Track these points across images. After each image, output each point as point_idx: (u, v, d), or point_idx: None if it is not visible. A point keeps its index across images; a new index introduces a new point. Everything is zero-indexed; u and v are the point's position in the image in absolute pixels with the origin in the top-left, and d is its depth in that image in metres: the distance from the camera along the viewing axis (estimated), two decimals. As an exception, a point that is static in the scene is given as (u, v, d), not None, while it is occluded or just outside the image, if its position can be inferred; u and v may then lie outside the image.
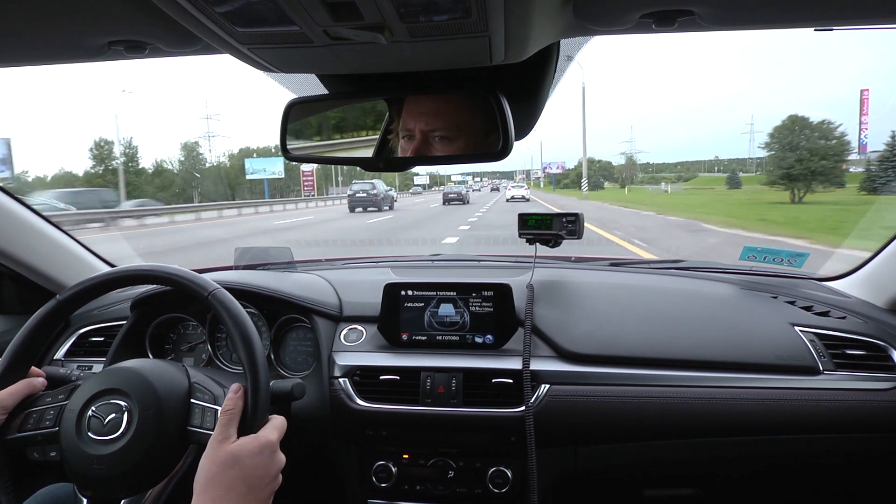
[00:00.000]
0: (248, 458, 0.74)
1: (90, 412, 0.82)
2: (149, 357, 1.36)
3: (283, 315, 1.37)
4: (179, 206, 26.49)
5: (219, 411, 0.82)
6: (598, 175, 62.47)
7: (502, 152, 0.84)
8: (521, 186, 35.63)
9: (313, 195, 43.10)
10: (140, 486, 0.82)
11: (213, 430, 0.79)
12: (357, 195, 22.40)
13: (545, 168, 77.72)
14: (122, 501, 0.84)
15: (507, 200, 29.62)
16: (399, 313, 1.30)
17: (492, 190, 66.69)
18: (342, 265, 1.78)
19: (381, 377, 1.23)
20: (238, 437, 0.77)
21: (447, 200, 27.01)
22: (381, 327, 1.31)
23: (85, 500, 0.85)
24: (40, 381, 0.90)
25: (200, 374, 0.90)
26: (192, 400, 0.85)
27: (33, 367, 0.92)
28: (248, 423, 0.79)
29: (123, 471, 0.79)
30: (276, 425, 0.82)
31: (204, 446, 0.77)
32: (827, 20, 0.82)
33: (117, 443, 0.79)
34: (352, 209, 22.18)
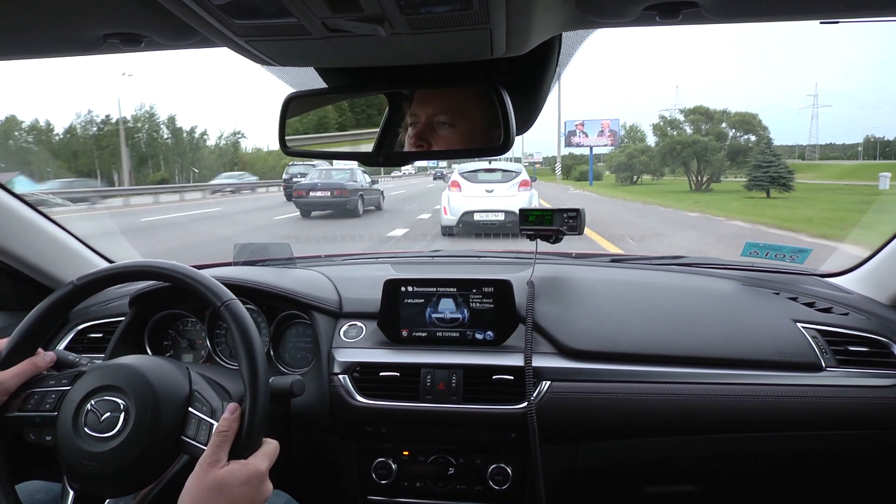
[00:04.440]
0: (235, 486, 0.73)
1: (88, 406, 0.81)
2: (147, 353, 1.36)
3: (283, 311, 1.37)
4: None
5: (214, 426, 0.80)
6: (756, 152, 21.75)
7: (504, 146, 0.83)
8: (512, 175, 8.78)
9: None
10: (127, 487, 0.82)
11: (205, 444, 0.78)
12: (314, 193, 11.92)
13: (569, 135, 32.35)
14: (108, 501, 0.84)
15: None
16: (399, 309, 1.29)
17: (435, 178, 36.91)
18: (342, 261, 1.77)
19: (381, 374, 1.23)
20: (228, 462, 0.75)
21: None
22: (381, 323, 1.30)
23: (71, 493, 0.85)
24: (45, 360, 0.90)
25: (202, 380, 0.89)
26: (190, 409, 0.84)
27: (40, 349, 0.91)
28: (241, 447, 0.77)
29: (113, 471, 0.78)
30: (267, 452, 0.79)
31: (194, 458, 0.76)
32: (832, 12, 0.82)
33: (110, 442, 0.79)
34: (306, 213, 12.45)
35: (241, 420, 0.78)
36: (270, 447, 0.80)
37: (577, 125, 32.82)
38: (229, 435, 0.76)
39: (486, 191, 8.75)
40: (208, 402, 0.85)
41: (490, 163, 9.19)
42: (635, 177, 31.59)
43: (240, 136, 61.05)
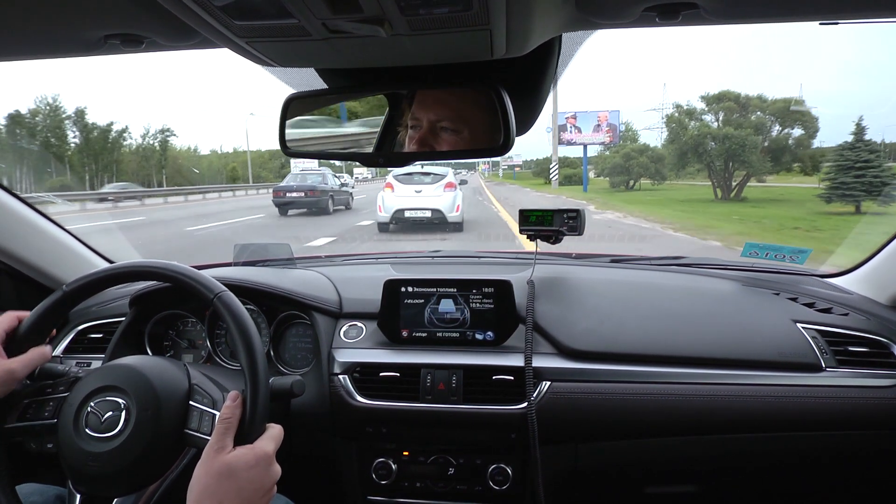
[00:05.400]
0: (243, 470, 0.73)
1: (88, 408, 0.82)
2: (148, 354, 1.36)
3: (283, 312, 1.37)
4: None
5: (216, 416, 0.80)
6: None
7: (504, 147, 0.83)
8: (439, 178, 10.08)
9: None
10: (134, 485, 0.82)
11: (209, 434, 0.79)
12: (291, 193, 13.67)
13: (558, 130, 25.17)
14: (115, 500, 0.84)
15: None
16: (399, 310, 1.29)
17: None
18: (342, 262, 1.77)
19: (381, 374, 1.23)
20: (234, 447, 0.75)
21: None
22: (381, 324, 1.30)
23: (78, 497, 0.85)
24: (50, 349, 0.91)
25: (201, 375, 0.90)
26: (191, 402, 0.84)
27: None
28: (245, 433, 0.78)
29: (117, 470, 0.79)
30: (272, 435, 0.80)
31: (200, 450, 0.76)
32: (832, 13, 0.82)
33: (113, 441, 0.79)
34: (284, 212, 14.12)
35: (243, 406, 0.79)
36: (275, 431, 0.81)
37: (567, 118, 25.70)
38: (233, 422, 0.77)
39: (416, 191, 9.90)
40: (209, 394, 0.86)
41: (423, 167, 10.20)
42: (632, 181, 26.04)
43: (168, 133, 51.06)
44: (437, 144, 0.87)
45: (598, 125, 26.04)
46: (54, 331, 0.95)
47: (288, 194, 13.67)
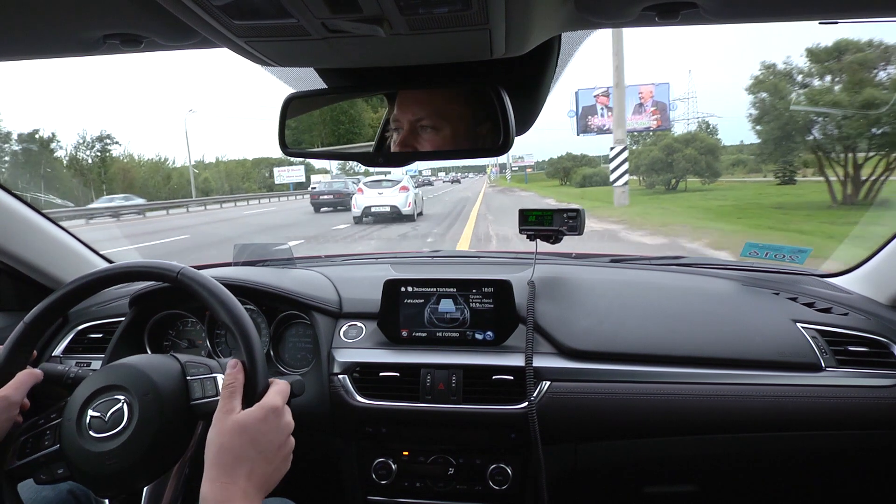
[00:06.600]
0: (254, 424, 0.74)
1: (89, 414, 0.81)
2: (147, 353, 1.36)
3: (283, 312, 1.37)
4: None
5: (217, 378, 0.82)
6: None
7: (503, 147, 0.83)
8: (395, 183, 14.11)
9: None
10: (156, 470, 0.82)
11: (216, 396, 0.80)
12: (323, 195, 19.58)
13: (585, 114, 17.38)
14: (145, 489, 0.83)
15: None
16: (399, 310, 1.29)
17: (452, 182, 59.45)
18: (342, 262, 1.77)
19: (381, 374, 1.23)
20: (242, 409, 0.77)
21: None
22: (381, 324, 1.30)
23: (107, 501, 0.84)
24: (39, 372, 0.89)
25: (189, 355, 0.91)
26: (188, 377, 0.85)
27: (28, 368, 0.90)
28: (250, 395, 0.79)
29: (137, 459, 0.78)
30: (278, 390, 0.81)
31: (211, 415, 0.77)
32: (832, 12, 0.82)
33: (124, 434, 0.79)
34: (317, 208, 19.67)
35: (244, 371, 0.80)
36: (280, 385, 0.82)
37: (596, 97, 19.26)
38: (237, 386, 0.78)
39: (378, 193, 14.13)
40: (202, 363, 0.87)
41: (386, 175, 14.40)
42: (674, 180, 20.12)
43: (109, 141, 40.18)
44: (419, 145, 0.86)
45: (641, 104, 19.32)
46: (35, 352, 0.93)
47: (321, 197, 19.91)
